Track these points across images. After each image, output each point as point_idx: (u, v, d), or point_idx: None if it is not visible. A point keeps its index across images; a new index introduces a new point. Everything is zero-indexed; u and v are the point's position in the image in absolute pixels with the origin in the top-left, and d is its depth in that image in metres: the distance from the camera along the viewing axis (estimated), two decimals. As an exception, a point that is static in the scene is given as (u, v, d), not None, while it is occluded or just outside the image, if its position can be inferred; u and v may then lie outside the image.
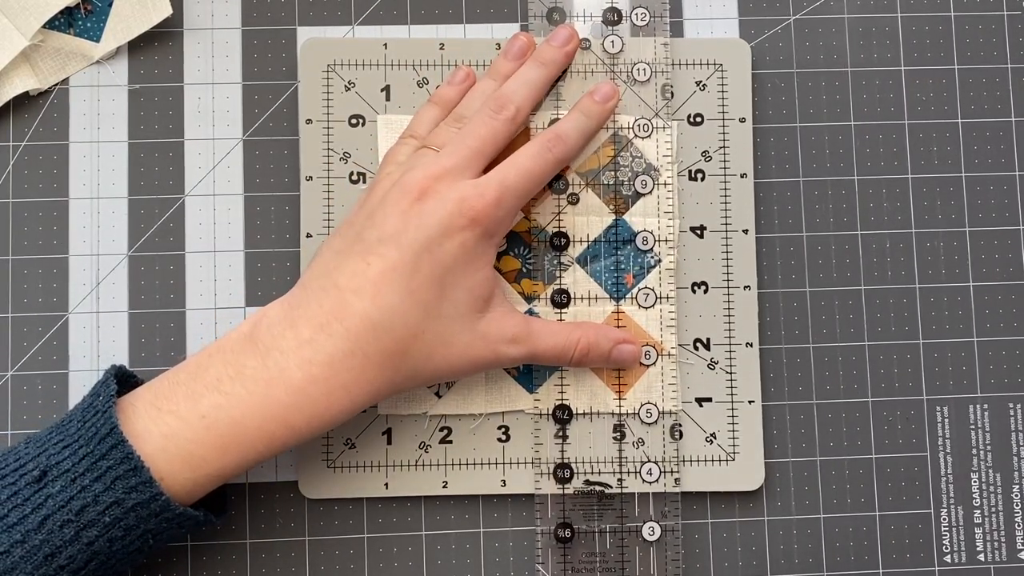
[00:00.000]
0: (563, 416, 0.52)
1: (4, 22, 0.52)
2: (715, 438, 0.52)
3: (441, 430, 0.52)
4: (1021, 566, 0.53)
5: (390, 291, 0.45)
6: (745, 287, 0.53)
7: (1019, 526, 0.53)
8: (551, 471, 0.51)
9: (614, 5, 0.53)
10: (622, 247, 0.52)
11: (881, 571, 0.52)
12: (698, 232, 0.53)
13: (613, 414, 0.52)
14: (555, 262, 0.52)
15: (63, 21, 0.53)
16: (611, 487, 0.51)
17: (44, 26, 0.52)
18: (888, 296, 0.54)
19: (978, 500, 0.53)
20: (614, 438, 0.52)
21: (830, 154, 0.54)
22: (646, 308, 0.52)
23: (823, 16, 0.55)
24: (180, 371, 0.45)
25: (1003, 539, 0.53)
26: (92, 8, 0.53)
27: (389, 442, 0.52)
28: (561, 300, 0.52)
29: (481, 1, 0.54)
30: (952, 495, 0.53)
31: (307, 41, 0.53)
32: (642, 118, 0.53)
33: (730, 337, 0.53)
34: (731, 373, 0.52)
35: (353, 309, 0.45)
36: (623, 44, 0.53)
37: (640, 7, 0.53)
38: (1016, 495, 0.53)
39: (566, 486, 0.51)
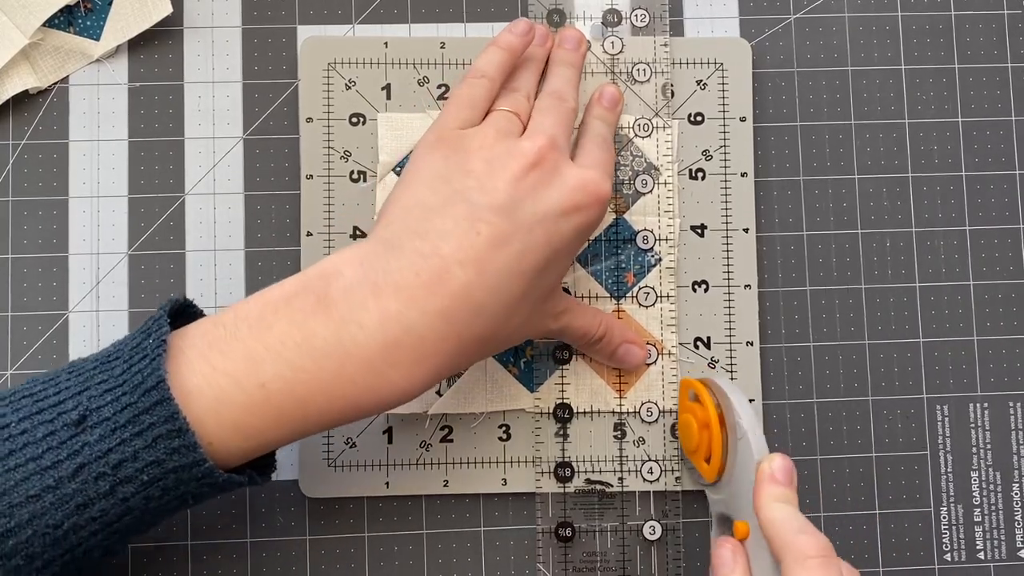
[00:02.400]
0: (564, 415, 0.52)
1: (4, 20, 0.52)
2: (716, 437, 0.52)
3: (442, 429, 0.52)
4: (1021, 564, 0.53)
5: (499, 268, 0.41)
6: (745, 286, 0.53)
7: (1019, 524, 0.53)
8: (552, 470, 0.51)
9: (614, 6, 0.53)
10: (623, 246, 0.52)
11: (881, 570, 0.52)
12: (699, 231, 0.53)
13: (614, 413, 0.52)
14: (556, 261, 0.52)
15: (63, 19, 0.53)
16: (612, 486, 0.51)
17: (44, 24, 0.52)
18: (888, 295, 0.54)
19: (978, 498, 0.53)
20: (615, 437, 0.52)
21: (830, 153, 0.54)
22: (646, 307, 0.52)
23: (823, 15, 0.55)
24: (240, 320, 0.40)
25: (1003, 537, 0.53)
26: (92, 6, 0.53)
27: (390, 441, 0.52)
28: (562, 299, 0.52)
29: (481, 1, 0.54)
30: (952, 493, 0.53)
31: (307, 40, 0.53)
32: (642, 118, 0.53)
33: (730, 336, 0.53)
34: (731, 372, 0.52)
35: (456, 284, 0.40)
36: (623, 45, 0.53)
37: (640, 8, 0.53)
38: (1016, 493, 0.53)
39: (567, 485, 0.51)
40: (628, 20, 0.53)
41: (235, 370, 0.39)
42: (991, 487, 0.53)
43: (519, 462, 0.52)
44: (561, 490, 0.51)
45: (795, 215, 0.54)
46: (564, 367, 0.52)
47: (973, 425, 0.53)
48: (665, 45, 0.53)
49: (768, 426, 0.53)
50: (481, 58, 0.48)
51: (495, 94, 0.47)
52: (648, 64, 0.53)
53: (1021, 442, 0.54)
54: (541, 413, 0.52)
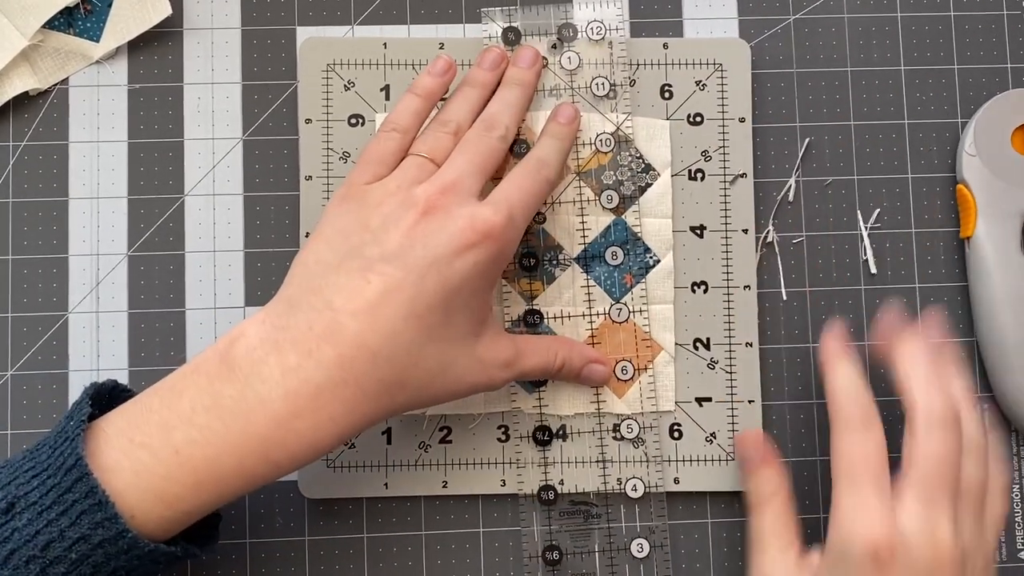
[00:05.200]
0: (543, 437, 0.51)
1: (4, 22, 0.52)
2: (715, 438, 0.52)
3: (441, 430, 0.52)
4: (1021, 566, 0.53)
5: (392, 314, 0.42)
6: (745, 287, 0.53)
7: (1019, 526, 0.53)
8: (535, 493, 0.51)
9: (569, 21, 0.53)
10: (621, 247, 0.52)
11: (881, 571, 0.52)
12: (698, 232, 0.53)
13: (593, 432, 0.52)
14: (553, 262, 0.52)
15: (63, 21, 0.53)
16: (596, 505, 0.51)
17: (44, 26, 0.52)
18: (888, 296, 0.54)
19: (978, 500, 0.53)
20: (597, 457, 0.52)
21: (829, 154, 0.54)
22: (645, 308, 0.52)
23: (823, 16, 0.55)
24: (154, 394, 0.42)
25: (1003, 539, 0.53)
26: (92, 8, 0.53)
27: (389, 442, 0.52)
28: (560, 300, 0.52)
29: (481, 1, 0.54)
30: (952, 495, 0.53)
31: (307, 41, 0.53)
32: (604, 133, 0.52)
33: (730, 337, 0.52)
34: (731, 373, 0.52)
35: (348, 334, 0.41)
36: (580, 60, 0.53)
37: (595, 21, 0.53)
38: (1016, 495, 0.53)
39: (551, 508, 0.51)
40: (584, 33, 0.53)
41: (150, 441, 0.40)
42: (991, 488, 0.53)
43: (518, 463, 0.52)
44: (546, 513, 0.51)
45: (795, 216, 0.54)
46: (541, 389, 0.52)
47: (973, 426, 0.53)
48: (624, 56, 0.53)
49: (768, 426, 0.53)
50: (397, 107, 0.49)
51: (408, 145, 0.48)
52: (606, 77, 0.53)
53: (1021, 443, 0.53)
54: (521, 437, 0.51)
